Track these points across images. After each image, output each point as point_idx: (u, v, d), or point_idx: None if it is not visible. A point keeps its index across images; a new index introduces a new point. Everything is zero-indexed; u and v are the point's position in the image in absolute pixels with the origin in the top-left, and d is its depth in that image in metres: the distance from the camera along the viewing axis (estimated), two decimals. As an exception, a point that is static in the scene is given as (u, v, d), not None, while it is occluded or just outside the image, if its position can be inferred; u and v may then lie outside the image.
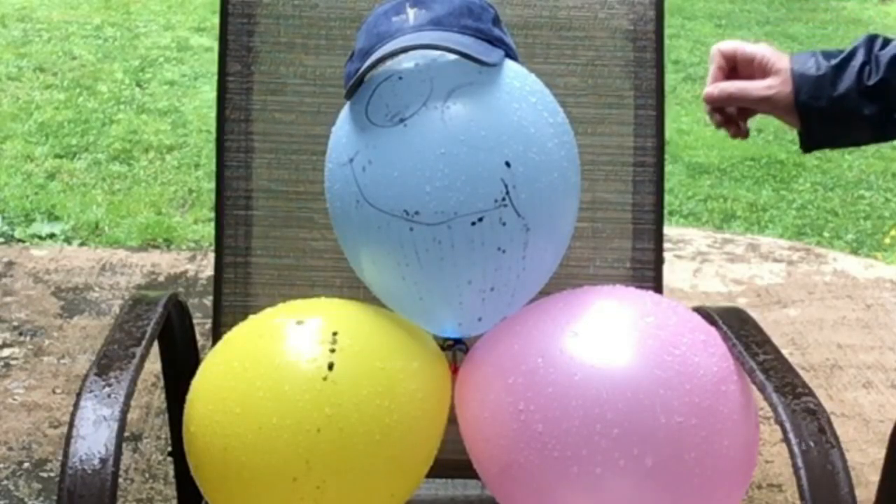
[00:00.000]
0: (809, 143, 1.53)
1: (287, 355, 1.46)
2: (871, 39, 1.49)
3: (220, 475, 1.45)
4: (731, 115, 1.59)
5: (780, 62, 1.53)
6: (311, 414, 1.40)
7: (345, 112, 1.53)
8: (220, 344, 1.56)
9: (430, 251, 1.45)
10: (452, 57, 1.46)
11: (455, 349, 1.57)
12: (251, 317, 1.57)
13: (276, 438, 1.40)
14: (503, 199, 1.44)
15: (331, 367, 1.42)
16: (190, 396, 1.50)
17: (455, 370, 1.55)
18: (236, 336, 1.55)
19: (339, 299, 1.61)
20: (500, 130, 1.45)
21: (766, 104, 1.54)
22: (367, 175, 1.46)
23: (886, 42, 1.48)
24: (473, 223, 1.44)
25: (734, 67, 1.57)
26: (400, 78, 1.47)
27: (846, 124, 1.50)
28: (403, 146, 1.44)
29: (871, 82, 1.46)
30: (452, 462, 1.61)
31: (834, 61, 1.49)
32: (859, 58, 1.47)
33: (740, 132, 1.61)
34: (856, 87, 1.47)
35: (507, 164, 1.44)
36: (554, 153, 1.49)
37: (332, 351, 1.44)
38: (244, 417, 1.42)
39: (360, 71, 1.47)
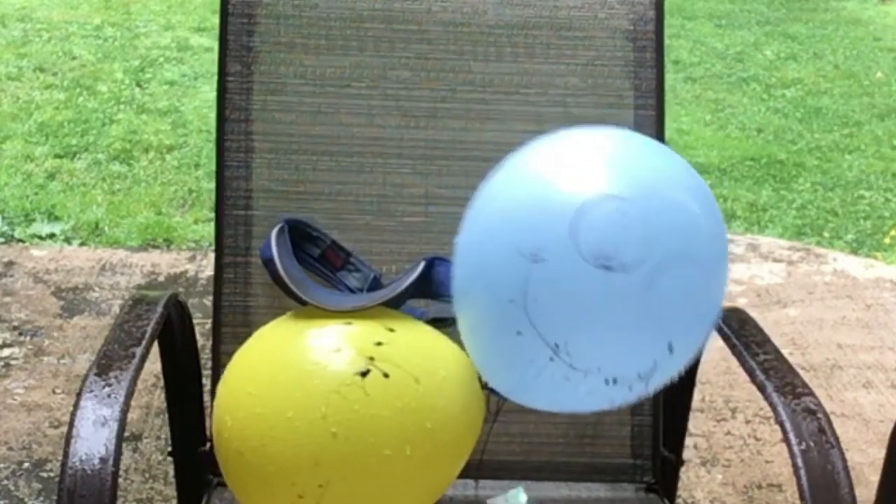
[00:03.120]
0: None
1: (326, 352, 1.45)
2: None
3: (243, 467, 1.44)
4: None
5: None
6: (332, 416, 1.38)
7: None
8: (269, 326, 1.55)
9: (555, 380, 1.35)
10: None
11: (495, 395, 1.49)
12: (293, 311, 1.56)
13: (294, 430, 1.39)
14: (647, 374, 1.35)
15: (364, 374, 1.41)
16: (222, 387, 1.50)
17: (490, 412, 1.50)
18: (280, 325, 1.54)
19: (398, 311, 1.57)
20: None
21: None
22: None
23: None
24: (607, 382, 1.35)
25: None
26: None
27: None
28: None
29: None
30: (452, 462, 1.60)
31: None
32: None
33: None
34: None
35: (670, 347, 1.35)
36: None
37: (371, 359, 1.42)
38: (265, 400, 1.41)
39: None
